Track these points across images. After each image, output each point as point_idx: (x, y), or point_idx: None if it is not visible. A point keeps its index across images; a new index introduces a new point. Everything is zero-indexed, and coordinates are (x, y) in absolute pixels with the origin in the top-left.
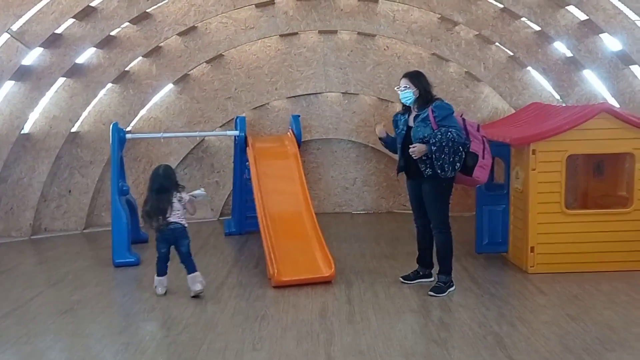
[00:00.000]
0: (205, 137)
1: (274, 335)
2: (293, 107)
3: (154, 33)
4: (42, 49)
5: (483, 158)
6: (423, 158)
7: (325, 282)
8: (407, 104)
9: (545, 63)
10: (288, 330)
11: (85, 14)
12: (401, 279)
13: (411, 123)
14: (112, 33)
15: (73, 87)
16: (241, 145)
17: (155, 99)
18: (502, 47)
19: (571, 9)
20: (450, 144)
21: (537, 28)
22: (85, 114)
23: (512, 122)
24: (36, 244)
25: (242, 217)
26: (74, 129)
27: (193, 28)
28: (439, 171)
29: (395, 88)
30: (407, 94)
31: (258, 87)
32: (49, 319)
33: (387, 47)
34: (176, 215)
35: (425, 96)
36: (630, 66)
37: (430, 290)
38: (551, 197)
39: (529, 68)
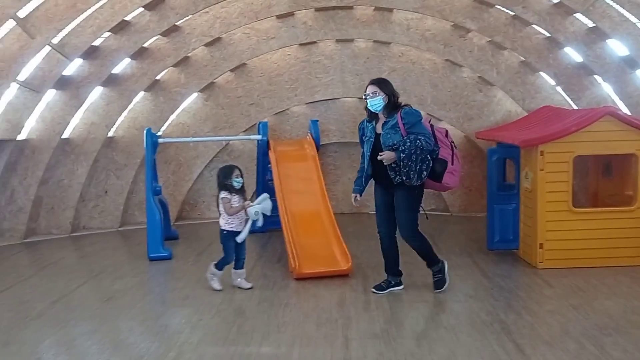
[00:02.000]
0: (230, 141)
1: (296, 320)
2: (312, 112)
3: (182, 44)
4: (81, 60)
5: (452, 164)
6: (393, 165)
7: (343, 275)
8: (376, 111)
9: (556, 68)
10: (309, 316)
11: (120, 27)
12: (373, 289)
13: (379, 130)
14: (145, 45)
15: (109, 95)
16: (263, 149)
17: (183, 105)
18: (514, 52)
19: (579, 16)
20: (418, 152)
21: (547, 34)
22: (120, 120)
23: (522, 125)
24: (76, 240)
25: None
26: (109, 134)
27: (218, 39)
28: (404, 178)
29: (363, 96)
30: (375, 100)
31: (279, 93)
32: (94, 305)
33: (401, 53)
34: (220, 216)
35: (393, 102)
36: (637, 70)
37: (435, 289)
38: (559, 196)
39: (541, 72)
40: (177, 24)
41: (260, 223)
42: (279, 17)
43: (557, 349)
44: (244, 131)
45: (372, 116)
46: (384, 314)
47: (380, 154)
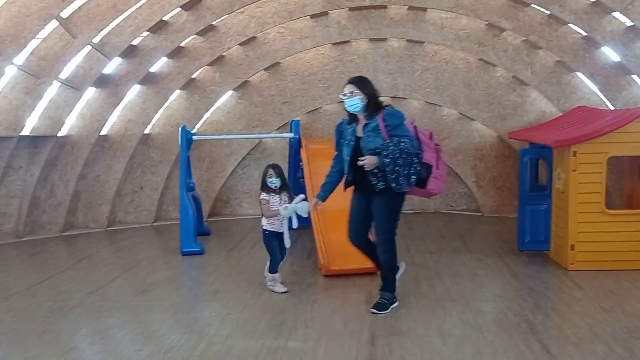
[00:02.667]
0: (263, 139)
1: (324, 316)
2: (344, 111)
3: (217, 44)
4: (120, 59)
5: (437, 168)
6: (374, 171)
7: (371, 273)
8: (355, 112)
9: (592, 67)
10: (336, 312)
11: (158, 27)
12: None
13: (360, 133)
14: (181, 44)
15: (146, 93)
16: (295, 147)
17: (218, 103)
18: (549, 52)
19: (617, 15)
20: (404, 156)
21: (584, 33)
22: (156, 117)
23: (556, 126)
24: (112, 234)
25: (296, 214)
26: (146, 131)
27: (253, 38)
28: (393, 185)
29: (340, 95)
30: (354, 101)
31: (311, 92)
32: (128, 297)
33: (435, 53)
34: (262, 216)
35: (373, 103)
36: None
37: (373, 308)
38: (592, 197)
39: (577, 72)
40: (213, 23)
41: (295, 224)
42: (312, 16)
43: (584, 351)
44: (276, 129)
45: (352, 118)
46: (411, 312)
47: (360, 159)
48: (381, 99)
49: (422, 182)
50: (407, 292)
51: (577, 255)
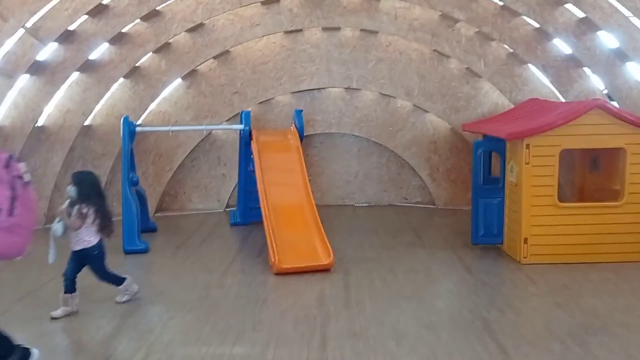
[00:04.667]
0: (212, 131)
1: (273, 318)
2: (297, 102)
3: (163, 30)
4: (56, 44)
5: (11, 214)
6: None
7: (324, 270)
8: None
9: (544, 60)
10: (287, 313)
11: (98, 11)
12: None
13: None
14: (124, 30)
15: (86, 81)
16: (246, 139)
17: (165, 93)
18: (502, 43)
19: (569, 6)
20: None
21: (537, 25)
22: (97, 107)
23: (509, 118)
24: (49, 232)
25: (247, 208)
26: (86, 122)
27: (201, 25)
28: None
29: None
30: None
31: (263, 82)
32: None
33: (389, 43)
34: None
35: None
36: (627, 63)
37: None
38: (544, 190)
39: (529, 64)
40: (157, 8)
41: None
42: (263, 3)
43: (540, 350)
44: (227, 120)
45: None
46: (364, 312)
47: None
48: None
49: None
50: (361, 289)
51: (530, 249)
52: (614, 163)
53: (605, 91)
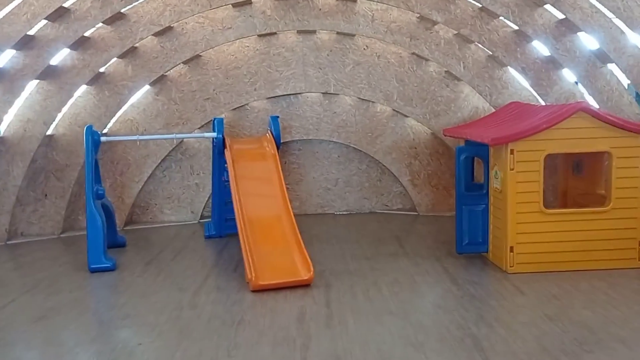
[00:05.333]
0: (184, 139)
1: (250, 341)
2: (273, 107)
3: (128, 33)
4: (14, 50)
5: None
6: None
7: (305, 286)
8: None
9: (524, 62)
10: (264, 335)
11: (58, 14)
12: None
13: None
14: (86, 34)
15: (47, 89)
16: (219, 147)
17: (132, 100)
18: (481, 46)
19: (549, 7)
20: None
21: (516, 27)
22: (60, 116)
23: (491, 122)
24: (12, 249)
25: (222, 220)
26: (49, 132)
27: (169, 28)
28: None
29: None
30: None
31: (237, 87)
32: (21, 327)
33: (366, 46)
34: None
35: None
36: (608, 64)
37: None
38: (530, 196)
39: (509, 67)
40: (122, 11)
41: None
42: (235, 5)
43: None
44: (199, 128)
45: None
46: (347, 331)
47: None
48: None
49: None
50: (343, 305)
51: (516, 258)
52: (597, 167)
53: (576, 81)
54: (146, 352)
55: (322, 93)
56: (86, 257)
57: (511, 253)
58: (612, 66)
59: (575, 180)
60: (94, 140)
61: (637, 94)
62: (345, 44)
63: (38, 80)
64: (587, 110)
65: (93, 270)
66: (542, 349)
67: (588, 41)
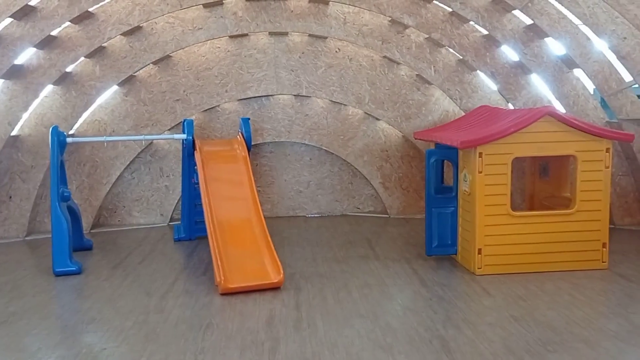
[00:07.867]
0: (154, 141)
1: (218, 345)
2: (244, 109)
3: (96, 33)
4: None
5: None
6: None
7: (274, 288)
8: None
9: (493, 67)
10: (232, 339)
11: (24, 13)
12: None
13: None
14: (53, 33)
15: (12, 89)
16: (189, 149)
17: (100, 101)
18: (451, 50)
19: (517, 13)
20: None
21: (485, 32)
22: (25, 117)
23: (460, 126)
24: None
25: (192, 223)
26: (14, 133)
27: (138, 28)
28: None
29: None
30: None
31: (207, 89)
32: None
33: (338, 49)
34: None
35: None
36: (574, 69)
37: None
38: (498, 199)
39: (478, 71)
40: (90, 10)
41: None
42: (205, 5)
43: None
44: (169, 129)
45: None
46: (316, 334)
47: None
48: None
49: None
50: (313, 308)
51: (484, 259)
52: (563, 170)
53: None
54: (111, 356)
55: (294, 95)
56: (51, 261)
57: (479, 255)
58: (578, 71)
59: (542, 183)
60: (59, 141)
61: (602, 99)
62: (317, 47)
63: (3, 80)
64: (553, 114)
65: (58, 274)
66: (507, 350)
67: (555, 47)
